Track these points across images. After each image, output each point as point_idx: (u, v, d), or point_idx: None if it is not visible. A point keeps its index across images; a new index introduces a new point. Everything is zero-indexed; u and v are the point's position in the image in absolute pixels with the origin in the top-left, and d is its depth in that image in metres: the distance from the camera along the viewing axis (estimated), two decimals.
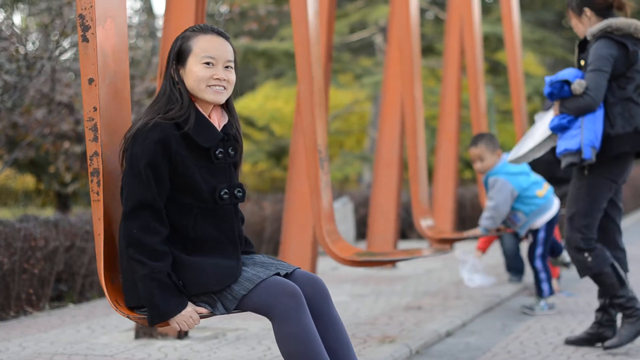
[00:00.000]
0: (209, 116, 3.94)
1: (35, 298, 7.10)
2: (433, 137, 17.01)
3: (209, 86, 3.87)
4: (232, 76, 3.93)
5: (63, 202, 13.89)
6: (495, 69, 21.42)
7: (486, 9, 20.88)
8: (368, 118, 21.31)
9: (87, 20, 4.02)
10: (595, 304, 7.70)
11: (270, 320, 3.77)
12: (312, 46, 5.76)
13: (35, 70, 7.95)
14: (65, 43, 9.17)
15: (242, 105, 22.38)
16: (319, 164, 5.73)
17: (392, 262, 6.01)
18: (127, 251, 3.73)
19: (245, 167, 21.12)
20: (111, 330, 6.35)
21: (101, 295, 7.87)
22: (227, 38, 3.96)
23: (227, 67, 3.91)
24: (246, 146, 21.14)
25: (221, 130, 3.94)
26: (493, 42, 20.03)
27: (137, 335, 6.03)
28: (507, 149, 19.76)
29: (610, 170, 5.75)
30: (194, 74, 3.87)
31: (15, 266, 6.87)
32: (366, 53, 23.75)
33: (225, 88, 3.91)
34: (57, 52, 8.43)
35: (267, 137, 20.90)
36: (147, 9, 16.57)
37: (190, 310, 3.75)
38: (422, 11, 22.05)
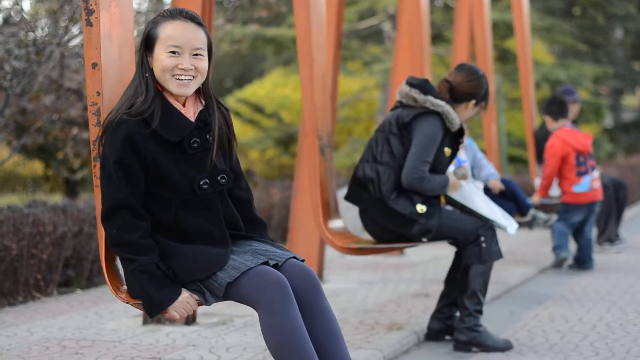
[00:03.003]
0: (184, 104, 3.82)
1: (43, 283, 7.11)
2: None
3: (174, 76, 3.74)
4: (201, 64, 3.77)
5: (71, 188, 13.91)
6: (504, 57, 21.36)
7: None
8: (377, 105, 21.26)
9: (90, 5, 3.96)
10: (603, 292, 7.69)
11: (255, 310, 3.70)
12: (313, 31, 5.75)
13: (44, 56, 7.94)
14: (74, 29, 9.15)
15: (251, 92, 22.37)
16: (319, 150, 5.71)
17: (391, 250, 5.99)
18: (112, 250, 3.72)
19: (253, 154, 21.07)
20: (119, 316, 6.36)
21: None
22: (198, 23, 3.79)
23: (196, 54, 3.76)
24: (254, 133, 21.11)
25: (197, 117, 3.82)
26: (502, 30, 19.96)
27: (145, 321, 6.04)
28: (515, 137, 19.73)
29: None
30: (159, 62, 3.74)
31: (24, 251, 6.87)
32: (375, 40, 23.68)
33: (193, 77, 3.76)
34: (66, 38, 8.42)
35: (276, 124, 20.88)
36: None
37: (187, 296, 3.71)
38: None
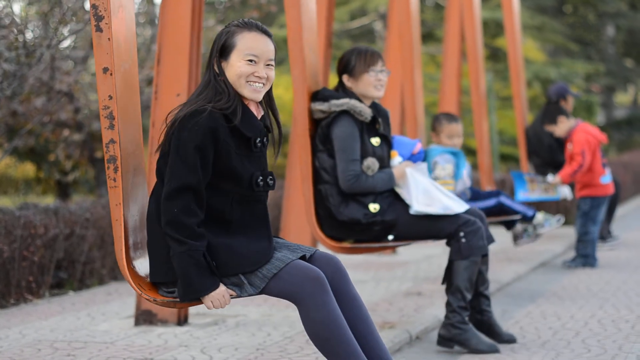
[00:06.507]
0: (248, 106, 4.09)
1: (35, 286, 7.11)
2: None
3: (249, 82, 4.00)
4: (272, 73, 4.07)
5: (63, 190, 13.90)
6: (495, 55, 21.40)
7: None
8: None
9: (100, 10, 4.10)
10: (595, 289, 7.71)
11: (295, 305, 3.90)
12: (305, 30, 5.75)
13: (34, 59, 7.93)
14: (65, 31, 9.15)
15: None
16: (310, 150, 5.70)
17: (384, 249, 5.98)
18: (165, 228, 3.86)
19: None
20: (111, 317, 6.36)
21: (101, 282, 7.88)
22: (270, 36, 4.09)
23: (268, 64, 4.04)
24: None
25: (260, 119, 4.10)
26: (493, 28, 20.01)
27: (137, 322, 6.04)
28: (506, 135, 19.75)
29: None
30: (237, 68, 4.00)
31: (15, 254, 6.87)
32: (366, 40, 23.70)
33: (264, 85, 4.04)
34: (56, 40, 8.41)
35: None
36: None
37: (223, 289, 3.89)
38: None
